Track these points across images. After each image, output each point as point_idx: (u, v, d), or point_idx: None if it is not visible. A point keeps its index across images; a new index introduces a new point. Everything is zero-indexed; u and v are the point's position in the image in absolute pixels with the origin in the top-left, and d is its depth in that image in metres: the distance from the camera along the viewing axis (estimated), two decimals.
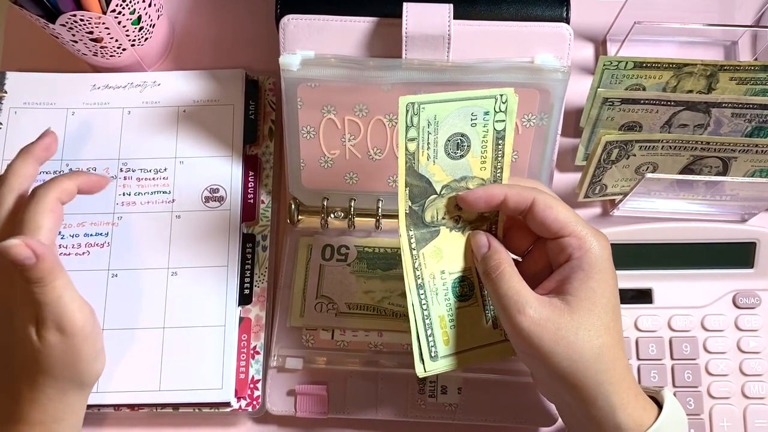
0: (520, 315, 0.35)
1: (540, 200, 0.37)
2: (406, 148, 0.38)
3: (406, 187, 0.38)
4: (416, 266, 0.40)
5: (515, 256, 0.40)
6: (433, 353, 0.40)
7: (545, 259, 0.39)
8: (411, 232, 0.40)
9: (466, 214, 0.40)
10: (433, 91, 0.46)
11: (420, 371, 0.39)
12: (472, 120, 0.38)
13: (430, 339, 0.40)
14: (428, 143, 0.38)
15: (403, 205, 0.39)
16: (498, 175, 0.40)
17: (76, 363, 0.39)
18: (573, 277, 0.36)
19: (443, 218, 0.40)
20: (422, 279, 0.40)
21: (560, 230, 0.37)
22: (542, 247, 0.39)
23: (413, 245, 0.40)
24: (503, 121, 0.38)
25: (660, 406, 0.37)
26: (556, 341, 0.35)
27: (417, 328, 0.39)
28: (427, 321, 0.40)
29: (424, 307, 0.40)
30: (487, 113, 0.38)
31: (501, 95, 0.38)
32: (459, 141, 0.38)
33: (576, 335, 0.35)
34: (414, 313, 0.39)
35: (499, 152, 0.39)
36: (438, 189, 0.39)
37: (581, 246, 0.37)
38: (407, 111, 0.37)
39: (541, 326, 0.35)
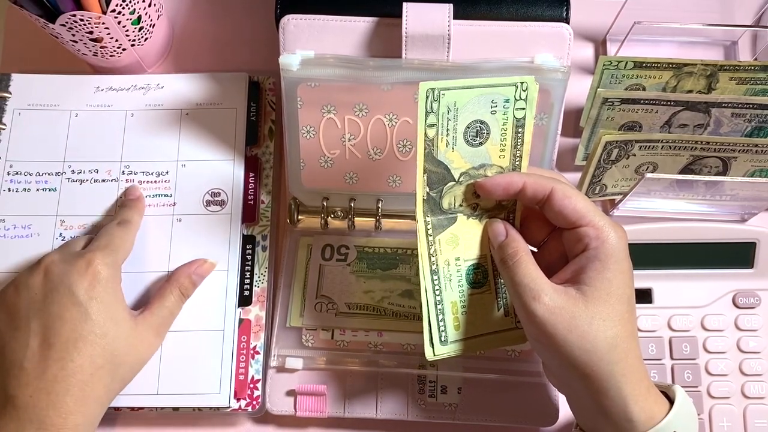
0: (536, 302, 0.35)
1: (559, 189, 0.37)
2: (426, 134, 0.37)
3: (424, 173, 0.38)
4: (431, 252, 0.40)
5: (531, 247, 0.40)
6: (443, 338, 0.40)
7: (561, 249, 0.39)
8: (428, 218, 0.39)
9: (483, 202, 0.40)
10: None
11: (429, 354, 0.40)
12: (492, 107, 0.38)
13: (441, 324, 0.40)
14: (447, 130, 0.38)
15: (420, 191, 0.39)
16: (517, 163, 0.40)
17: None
18: (589, 267, 0.36)
19: (461, 205, 0.40)
20: (437, 265, 0.40)
21: (578, 220, 0.37)
22: (558, 237, 0.39)
23: (430, 231, 0.40)
24: (523, 109, 0.38)
25: (671, 401, 0.37)
26: (570, 330, 0.35)
27: (429, 313, 0.39)
28: (439, 306, 0.40)
29: (437, 292, 0.40)
30: (507, 101, 0.38)
31: (522, 83, 0.38)
32: (478, 128, 0.38)
33: (590, 325, 0.35)
34: (426, 298, 0.39)
35: (519, 141, 0.39)
36: (456, 176, 0.39)
37: (598, 236, 0.37)
38: (427, 97, 0.37)
39: (555, 314, 0.35)
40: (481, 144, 0.39)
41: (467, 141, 0.38)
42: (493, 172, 0.39)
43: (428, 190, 0.39)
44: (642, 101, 0.47)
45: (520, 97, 0.38)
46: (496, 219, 0.41)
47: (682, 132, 0.49)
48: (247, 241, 0.51)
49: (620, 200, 0.50)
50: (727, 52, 0.56)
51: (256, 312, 0.49)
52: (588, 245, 0.37)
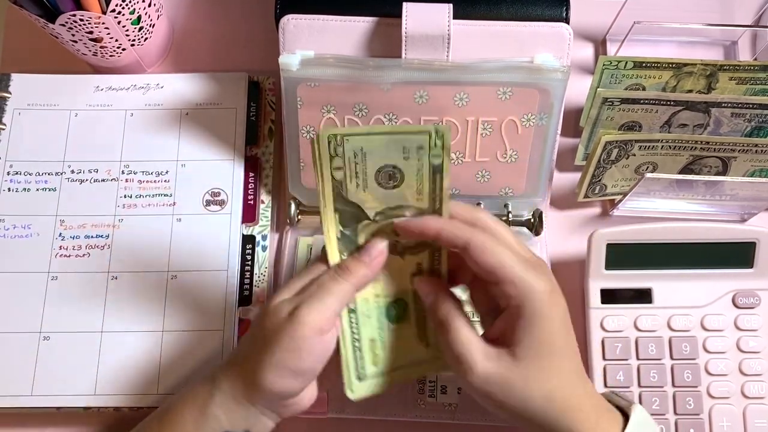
0: (470, 373, 0.35)
1: (475, 244, 0.35)
2: (333, 177, 0.35)
3: (335, 212, 0.36)
4: None
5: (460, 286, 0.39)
6: (361, 375, 0.38)
7: (487, 291, 0.38)
8: (344, 257, 0.38)
9: (405, 240, 0.38)
10: (432, 90, 0.46)
11: (349, 394, 0.38)
12: (404, 154, 0.36)
13: (360, 361, 0.38)
14: (356, 173, 0.36)
15: (333, 231, 0.37)
16: (437, 206, 0.37)
17: None
18: (516, 326, 0.35)
19: None
20: (355, 303, 0.38)
21: (494, 277, 0.35)
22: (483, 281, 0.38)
23: None
24: (440, 156, 0.35)
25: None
26: (506, 395, 0.35)
27: (346, 352, 0.38)
28: (357, 344, 0.38)
29: (354, 331, 0.38)
30: (421, 148, 0.35)
31: (437, 131, 0.35)
32: (391, 172, 0.36)
33: (525, 385, 0.35)
34: (344, 338, 0.38)
35: (437, 186, 0.36)
36: (371, 215, 0.37)
37: (518, 294, 0.35)
38: (329, 142, 0.35)
39: (490, 383, 0.35)
40: (395, 187, 0.37)
41: (380, 184, 0.36)
42: (411, 213, 0.37)
43: (341, 229, 0.37)
44: (642, 101, 0.47)
45: (435, 144, 0.35)
46: (423, 278, 0.39)
47: (682, 132, 0.49)
48: (247, 241, 0.51)
49: (620, 200, 0.50)
50: (727, 52, 0.56)
51: (256, 312, 0.49)
52: (509, 303, 0.35)
